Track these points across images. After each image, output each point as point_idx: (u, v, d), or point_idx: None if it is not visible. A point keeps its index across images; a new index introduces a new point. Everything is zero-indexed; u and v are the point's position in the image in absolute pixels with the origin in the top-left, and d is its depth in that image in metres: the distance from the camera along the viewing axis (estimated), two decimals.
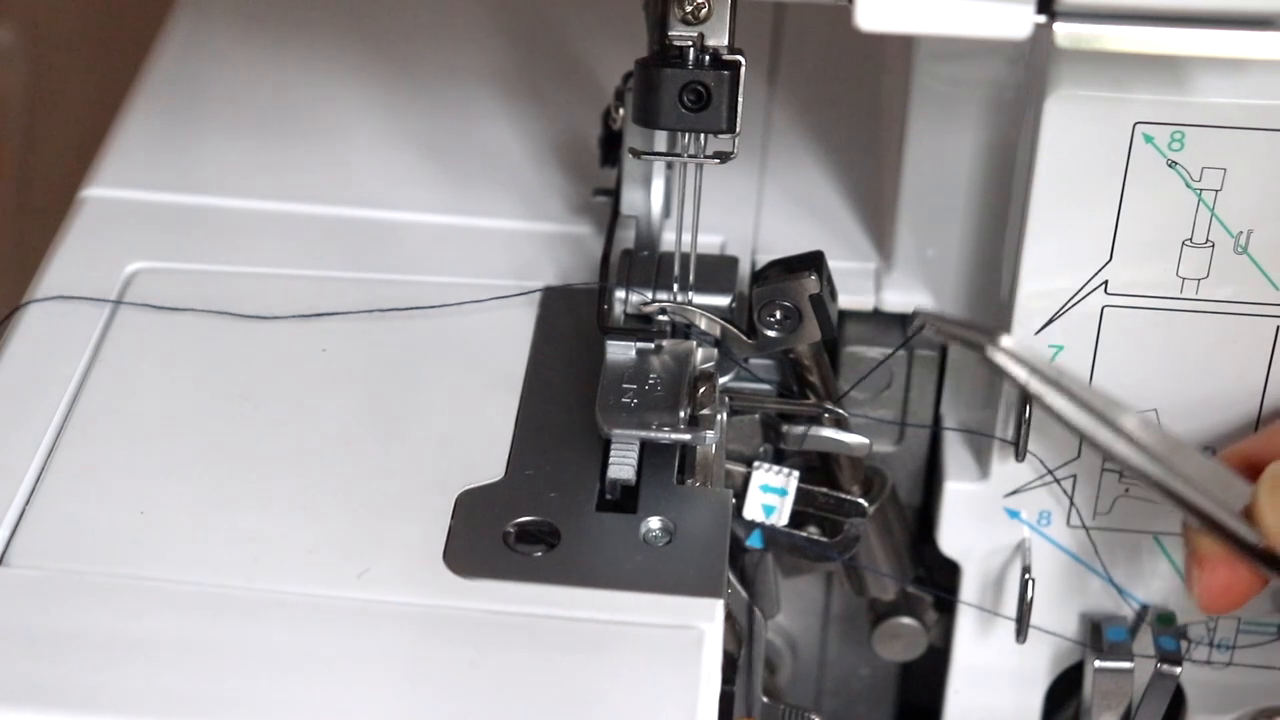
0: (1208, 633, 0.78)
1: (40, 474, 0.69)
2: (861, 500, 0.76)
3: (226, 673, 0.62)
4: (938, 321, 0.70)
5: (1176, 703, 0.79)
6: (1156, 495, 0.65)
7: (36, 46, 1.30)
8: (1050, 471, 0.75)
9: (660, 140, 0.72)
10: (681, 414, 0.69)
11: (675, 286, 0.73)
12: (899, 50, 0.80)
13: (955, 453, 0.78)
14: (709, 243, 0.78)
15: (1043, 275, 0.71)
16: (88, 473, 0.69)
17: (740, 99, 0.68)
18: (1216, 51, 0.63)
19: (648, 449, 0.70)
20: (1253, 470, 0.66)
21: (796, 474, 0.74)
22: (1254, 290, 0.71)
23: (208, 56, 0.90)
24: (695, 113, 0.68)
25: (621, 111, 0.75)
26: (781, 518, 0.74)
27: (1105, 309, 0.72)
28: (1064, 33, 0.63)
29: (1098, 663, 0.77)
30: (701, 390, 0.71)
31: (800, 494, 0.74)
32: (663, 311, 0.73)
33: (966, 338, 0.68)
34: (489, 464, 0.70)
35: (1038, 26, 0.62)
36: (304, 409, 0.72)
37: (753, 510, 0.74)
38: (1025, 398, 0.73)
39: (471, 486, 0.69)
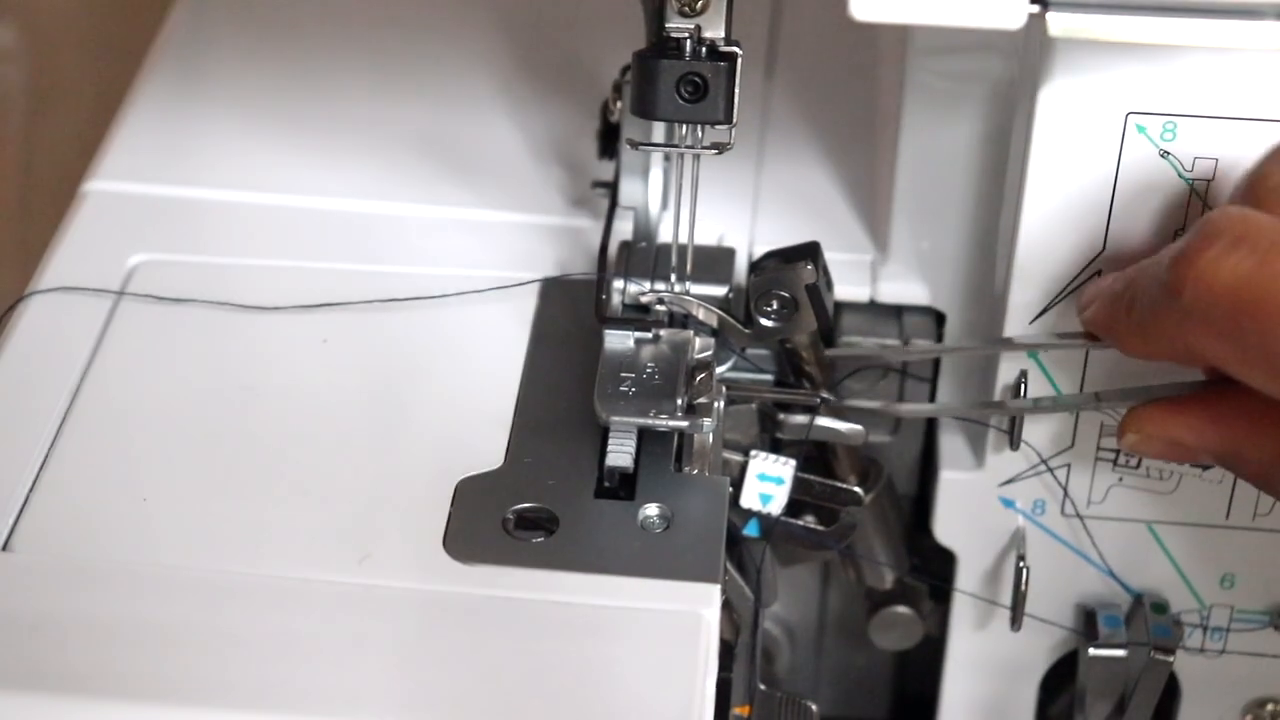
0: (1201, 620, 0.78)
1: (44, 462, 0.69)
2: (858, 489, 0.77)
3: (229, 657, 0.63)
4: None
5: (1171, 691, 0.80)
6: None
7: (37, 44, 1.31)
8: (1044, 460, 0.76)
9: (658, 132, 0.73)
10: (679, 402, 0.70)
11: (673, 277, 0.74)
12: (894, 43, 0.80)
13: (950, 442, 0.78)
14: (706, 234, 0.78)
15: (1037, 266, 0.72)
16: (91, 461, 0.69)
17: (737, 90, 0.69)
18: (1208, 41, 0.63)
19: (645, 437, 0.70)
20: None
21: (793, 463, 0.74)
22: None
23: (209, 50, 0.90)
24: (692, 104, 0.68)
25: (619, 104, 0.76)
26: (778, 506, 0.74)
27: None
28: (1056, 23, 0.63)
29: (1092, 650, 0.77)
30: (699, 379, 0.71)
31: (797, 483, 0.74)
32: (660, 301, 0.74)
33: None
34: (488, 452, 0.70)
35: (1031, 17, 0.63)
36: (305, 398, 0.72)
37: (750, 499, 0.74)
38: (1020, 384, 0.74)
39: (471, 474, 0.69)
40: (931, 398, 0.79)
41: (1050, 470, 0.76)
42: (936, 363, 0.79)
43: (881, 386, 0.79)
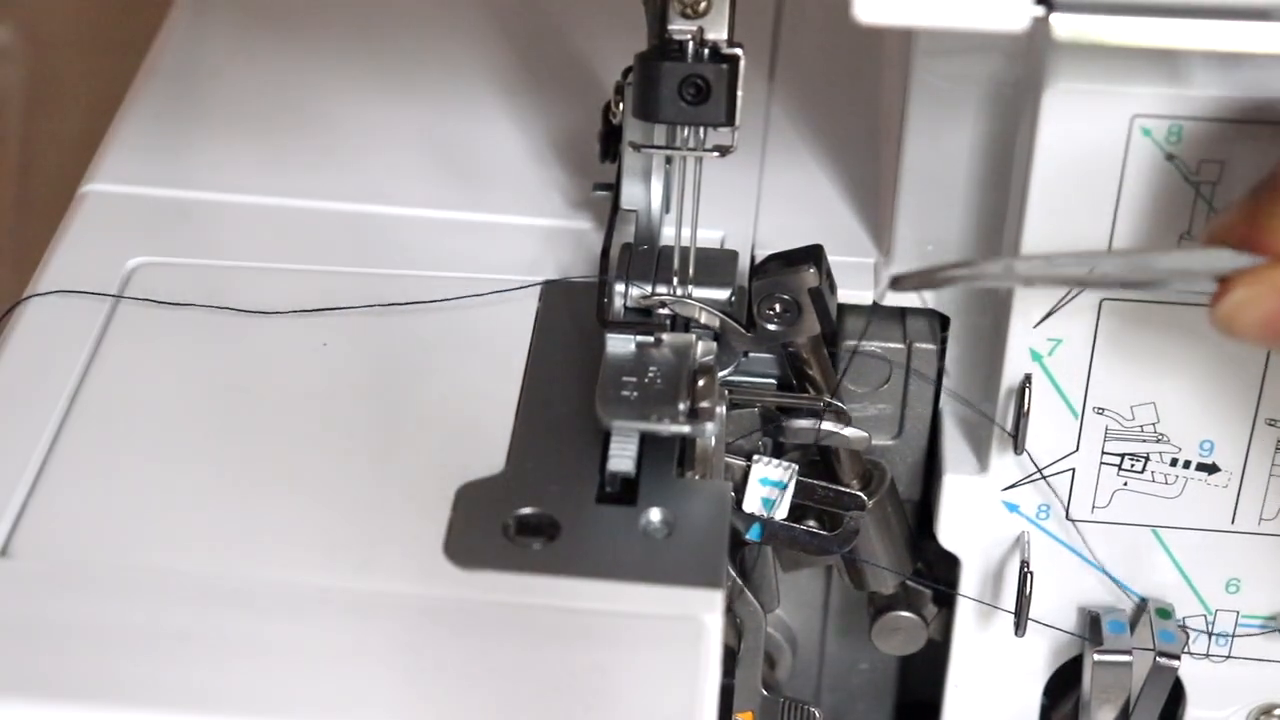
0: (1207, 626, 0.78)
1: (42, 466, 0.69)
2: (860, 493, 0.76)
3: (228, 663, 0.63)
4: (917, 278, 0.69)
5: (1176, 697, 0.80)
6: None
7: (36, 45, 1.31)
8: (1039, 470, 0.75)
9: (660, 134, 0.73)
10: (681, 406, 0.70)
11: (675, 280, 0.74)
12: (898, 45, 0.80)
13: (954, 446, 0.78)
14: (708, 237, 0.78)
15: None
16: (89, 465, 0.69)
17: (740, 92, 0.68)
18: (1214, 44, 0.63)
19: (647, 441, 0.70)
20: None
21: (795, 467, 0.74)
22: None
23: (208, 52, 0.90)
24: (695, 106, 0.68)
25: (621, 106, 0.75)
26: (780, 511, 0.74)
27: (1103, 302, 0.72)
28: (1061, 25, 0.63)
29: (1096, 656, 0.77)
30: (701, 383, 0.71)
31: (799, 487, 0.74)
32: (662, 305, 0.73)
33: (952, 277, 0.68)
34: (489, 456, 0.70)
35: (1036, 19, 0.62)
36: (305, 402, 0.72)
37: (752, 503, 0.74)
38: (1024, 388, 0.73)
39: (472, 479, 0.69)
40: (935, 398, 0.79)
41: (1044, 478, 0.76)
42: (940, 365, 0.78)
43: (884, 390, 0.78)
